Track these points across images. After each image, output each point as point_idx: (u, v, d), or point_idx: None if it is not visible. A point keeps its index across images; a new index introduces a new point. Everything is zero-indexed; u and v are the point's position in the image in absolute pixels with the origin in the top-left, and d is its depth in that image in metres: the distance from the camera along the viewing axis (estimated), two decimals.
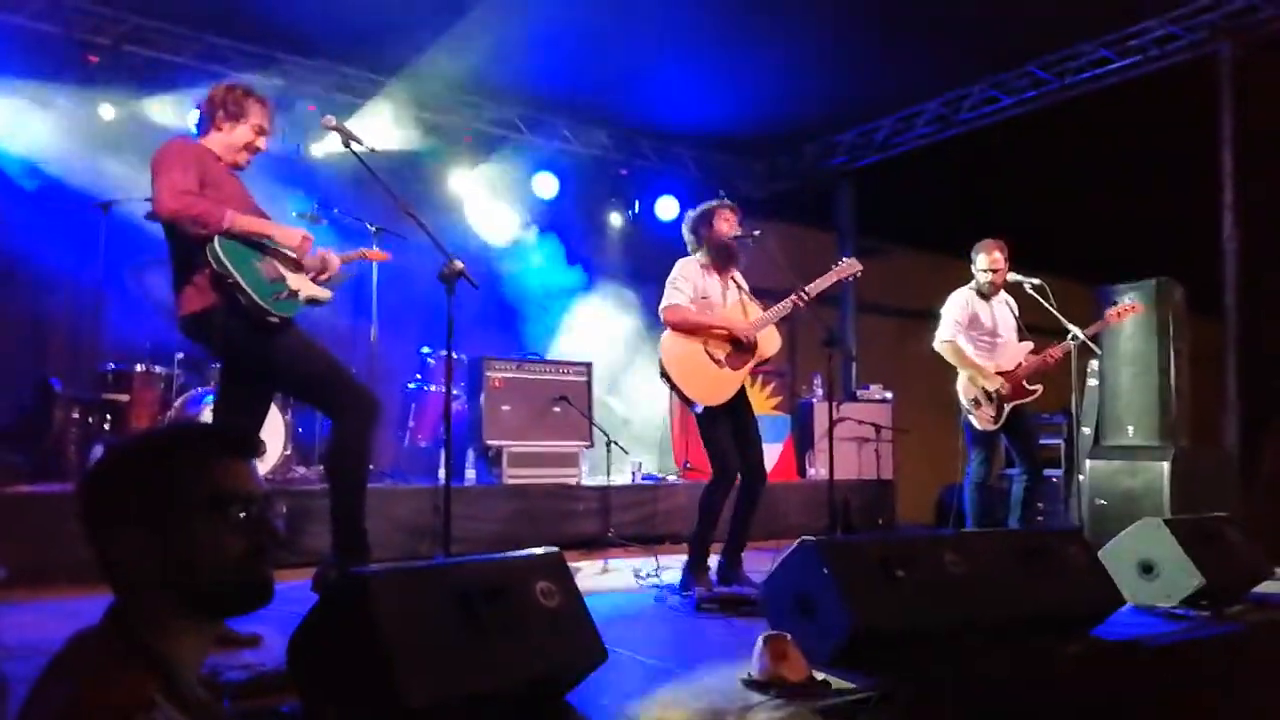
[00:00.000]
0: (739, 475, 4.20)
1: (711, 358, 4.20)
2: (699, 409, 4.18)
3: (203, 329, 3.29)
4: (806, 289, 4.26)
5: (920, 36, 6.76)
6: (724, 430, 4.19)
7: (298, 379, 3.45)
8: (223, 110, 3.38)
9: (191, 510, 1.26)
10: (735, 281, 4.41)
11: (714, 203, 4.46)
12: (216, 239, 3.17)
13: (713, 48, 6.86)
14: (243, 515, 1.29)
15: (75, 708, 1.11)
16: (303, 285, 3.41)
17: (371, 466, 6.32)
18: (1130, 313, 5.51)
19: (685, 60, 7.03)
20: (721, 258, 4.35)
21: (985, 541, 3.37)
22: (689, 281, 4.28)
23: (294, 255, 3.41)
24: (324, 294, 3.53)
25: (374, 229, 6.00)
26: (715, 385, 4.18)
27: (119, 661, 1.19)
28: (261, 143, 3.47)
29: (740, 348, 4.25)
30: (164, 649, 1.23)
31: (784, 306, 4.27)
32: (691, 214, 4.51)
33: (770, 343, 4.33)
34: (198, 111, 3.52)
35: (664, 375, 4.23)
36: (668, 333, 4.27)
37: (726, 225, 4.34)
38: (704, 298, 4.29)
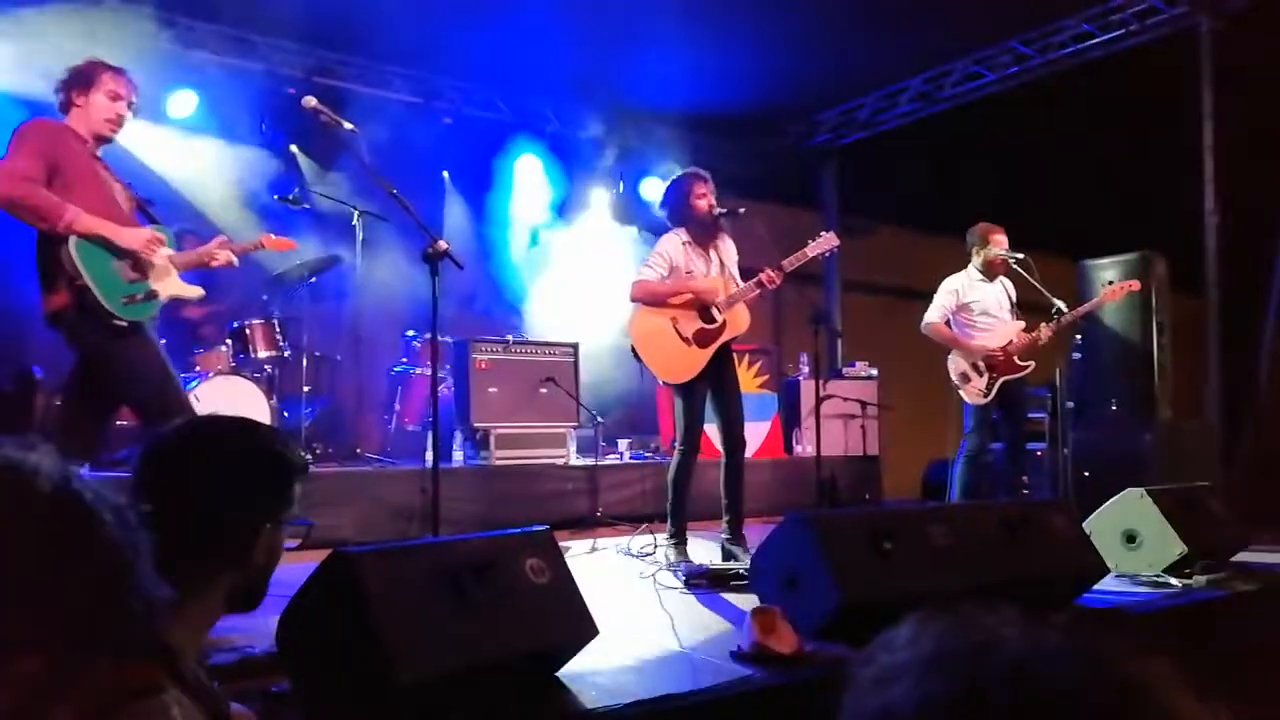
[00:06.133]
0: (720, 448, 4.27)
1: (680, 335, 4.20)
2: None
3: (60, 329, 3.23)
4: (781, 264, 4.18)
5: (903, 13, 6.74)
6: (696, 403, 4.23)
7: (127, 389, 3.30)
8: (75, 85, 3.29)
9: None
10: (720, 256, 4.36)
11: (686, 173, 4.40)
12: (72, 239, 3.11)
13: (696, 28, 6.81)
14: None
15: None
16: (166, 285, 3.35)
17: (359, 450, 6.36)
18: (1126, 291, 5.42)
19: (669, 41, 6.98)
20: (702, 232, 4.31)
21: (970, 513, 3.40)
22: (666, 259, 4.26)
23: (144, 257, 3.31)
24: (191, 291, 3.47)
25: (356, 211, 5.97)
26: (682, 363, 4.20)
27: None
28: (122, 108, 3.35)
29: (709, 324, 4.23)
30: (168, 635, 1.23)
31: (752, 285, 4.19)
32: (665, 187, 4.47)
33: (740, 320, 4.27)
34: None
35: (634, 351, 4.28)
36: (637, 310, 4.28)
37: (703, 200, 4.28)
38: (688, 273, 4.27)
